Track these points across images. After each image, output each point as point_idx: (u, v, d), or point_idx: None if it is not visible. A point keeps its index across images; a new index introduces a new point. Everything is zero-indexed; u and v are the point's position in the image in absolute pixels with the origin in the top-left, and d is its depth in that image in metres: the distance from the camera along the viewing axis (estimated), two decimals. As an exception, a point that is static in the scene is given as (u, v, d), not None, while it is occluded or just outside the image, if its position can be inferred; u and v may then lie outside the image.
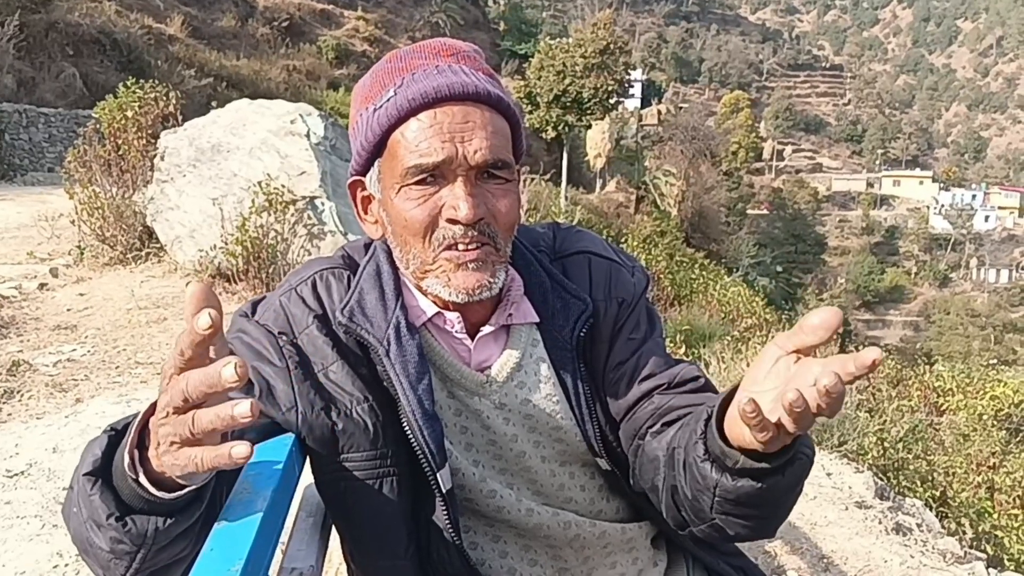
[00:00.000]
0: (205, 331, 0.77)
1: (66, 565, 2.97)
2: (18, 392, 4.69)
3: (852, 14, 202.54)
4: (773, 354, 0.91)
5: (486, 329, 1.26)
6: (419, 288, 1.24)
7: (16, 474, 3.65)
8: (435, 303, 1.24)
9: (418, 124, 1.14)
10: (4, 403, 4.54)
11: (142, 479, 0.89)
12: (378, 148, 1.19)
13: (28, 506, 3.37)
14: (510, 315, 1.27)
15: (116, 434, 0.95)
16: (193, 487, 0.89)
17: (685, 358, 1.50)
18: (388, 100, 1.16)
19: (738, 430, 0.94)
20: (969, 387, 8.70)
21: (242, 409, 0.78)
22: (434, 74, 1.16)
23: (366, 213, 1.28)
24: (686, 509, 1.13)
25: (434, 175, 1.14)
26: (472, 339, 1.26)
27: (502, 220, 1.18)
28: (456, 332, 1.25)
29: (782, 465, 0.97)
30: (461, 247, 1.15)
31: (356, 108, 1.23)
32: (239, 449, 0.79)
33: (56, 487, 3.53)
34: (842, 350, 9.72)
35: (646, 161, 41.74)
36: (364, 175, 1.25)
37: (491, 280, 1.18)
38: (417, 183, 1.15)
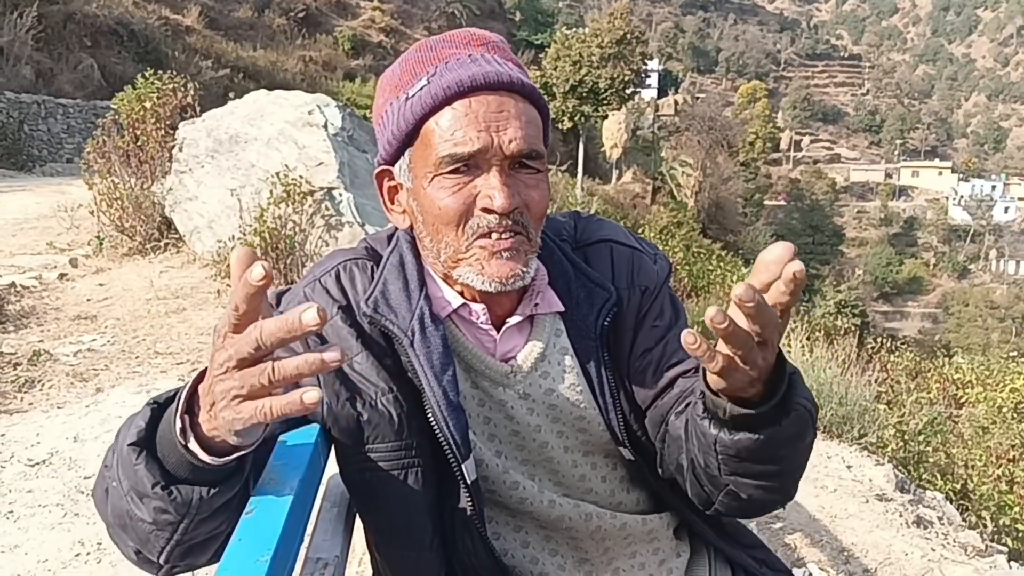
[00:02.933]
0: (259, 282, 0.77)
1: (88, 553, 2.99)
2: (39, 382, 4.72)
3: (871, 3, 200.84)
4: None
5: (514, 319, 1.25)
6: (445, 279, 1.23)
7: (38, 463, 3.68)
8: (461, 294, 1.23)
9: (453, 113, 1.13)
10: (25, 392, 4.57)
11: (191, 444, 0.90)
12: (410, 137, 1.19)
13: (50, 495, 3.40)
14: (536, 305, 1.26)
15: (159, 407, 0.96)
16: (242, 452, 0.91)
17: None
18: (422, 89, 1.15)
19: (715, 378, 0.94)
20: (988, 379, 8.61)
21: (333, 355, 0.78)
22: (468, 63, 1.15)
23: (393, 203, 1.28)
24: (704, 480, 1.13)
25: (468, 164, 1.14)
26: (497, 330, 1.26)
27: (534, 209, 1.18)
28: (482, 323, 1.24)
29: (775, 414, 0.97)
30: (495, 236, 1.15)
31: (385, 98, 1.22)
32: (310, 394, 0.79)
33: (77, 476, 3.56)
34: (860, 343, 9.68)
35: (663, 151, 41.65)
36: (392, 164, 1.25)
37: (524, 270, 1.17)
38: (451, 172, 1.14)
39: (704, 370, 0.97)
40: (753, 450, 1.00)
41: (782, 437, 0.99)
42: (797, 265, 0.83)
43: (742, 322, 0.86)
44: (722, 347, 0.89)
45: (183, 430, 0.89)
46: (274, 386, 0.81)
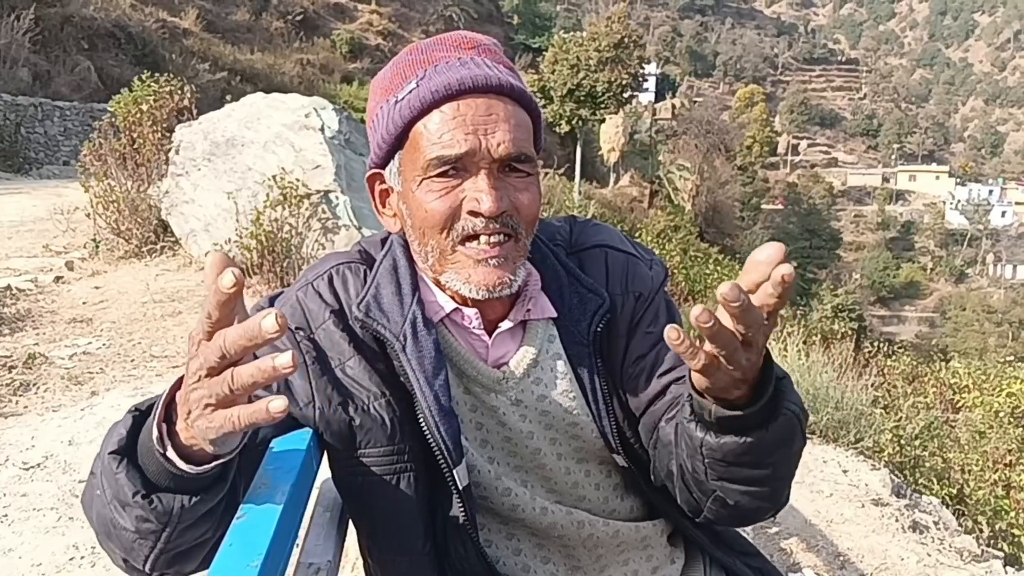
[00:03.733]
0: (230, 289, 0.77)
1: (82, 557, 2.98)
2: (34, 385, 4.71)
3: (868, 8, 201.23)
4: None
5: (505, 325, 1.25)
6: (437, 283, 1.23)
7: (32, 467, 3.66)
8: (453, 299, 1.23)
9: (441, 116, 1.13)
10: (20, 396, 4.56)
11: (170, 452, 0.89)
12: (399, 140, 1.18)
13: (44, 498, 3.39)
14: (528, 310, 1.26)
15: (141, 414, 0.95)
16: (221, 460, 0.90)
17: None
18: (410, 92, 1.15)
19: (699, 376, 0.94)
20: (985, 384, 8.60)
21: (284, 360, 0.76)
22: (457, 66, 1.15)
23: (384, 206, 1.27)
24: (692, 486, 1.13)
25: (456, 167, 1.13)
26: (490, 335, 1.25)
27: (524, 213, 1.17)
28: (474, 328, 1.24)
29: (762, 418, 0.96)
30: (483, 239, 1.14)
31: (376, 101, 1.22)
32: (276, 403, 0.78)
33: (72, 480, 3.55)
34: (857, 347, 9.68)
35: (660, 155, 41.59)
36: (383, 168, 1.24)
37: (511, 277, 1.17)
38: (439, 175, 1.14)
39: (690, 370, 0.96)
40: (739, 454, 1.00)
41: (769, 442, 0.99)
42: (786, 268, 0.83)
43: (727, 321, 0.85)
44: (706, 345, 0.88)
45: (160, 438, 0.89)
46: (237, 394, 0.80)
